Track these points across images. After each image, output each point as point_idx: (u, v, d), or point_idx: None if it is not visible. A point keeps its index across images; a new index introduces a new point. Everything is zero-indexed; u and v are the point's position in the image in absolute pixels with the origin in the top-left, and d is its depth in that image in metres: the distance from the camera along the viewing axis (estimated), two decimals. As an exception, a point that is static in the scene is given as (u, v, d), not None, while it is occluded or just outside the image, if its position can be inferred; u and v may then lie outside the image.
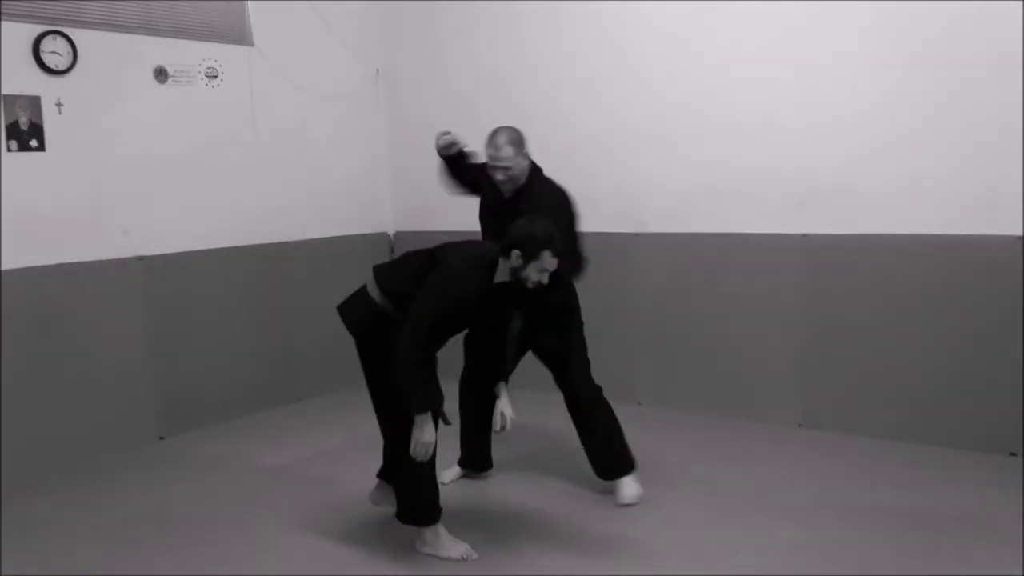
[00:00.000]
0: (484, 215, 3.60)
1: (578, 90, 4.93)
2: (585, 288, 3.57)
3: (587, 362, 3.57)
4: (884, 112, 4.03)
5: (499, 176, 3.36)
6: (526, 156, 3.39)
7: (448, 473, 3.77)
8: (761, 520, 3.32)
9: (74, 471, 4.12)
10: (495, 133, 3.36)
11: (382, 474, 3.34)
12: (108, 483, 3.98)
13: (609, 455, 3.55)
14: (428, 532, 3.10)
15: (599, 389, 3.58)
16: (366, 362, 3.08)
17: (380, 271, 3.13)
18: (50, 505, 3.74)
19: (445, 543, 3.09)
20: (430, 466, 3.00)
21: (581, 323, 3.61)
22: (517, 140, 3.36)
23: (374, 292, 3.03)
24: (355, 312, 3.07)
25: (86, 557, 3.21)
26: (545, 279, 2.89)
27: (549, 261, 2.86)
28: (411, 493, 3.08)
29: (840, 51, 4.11)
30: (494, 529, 3.32)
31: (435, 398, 2.86)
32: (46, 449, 4.13)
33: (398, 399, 2.88)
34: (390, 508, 3.25)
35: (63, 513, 3.65)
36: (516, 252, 2.85)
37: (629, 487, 3.51)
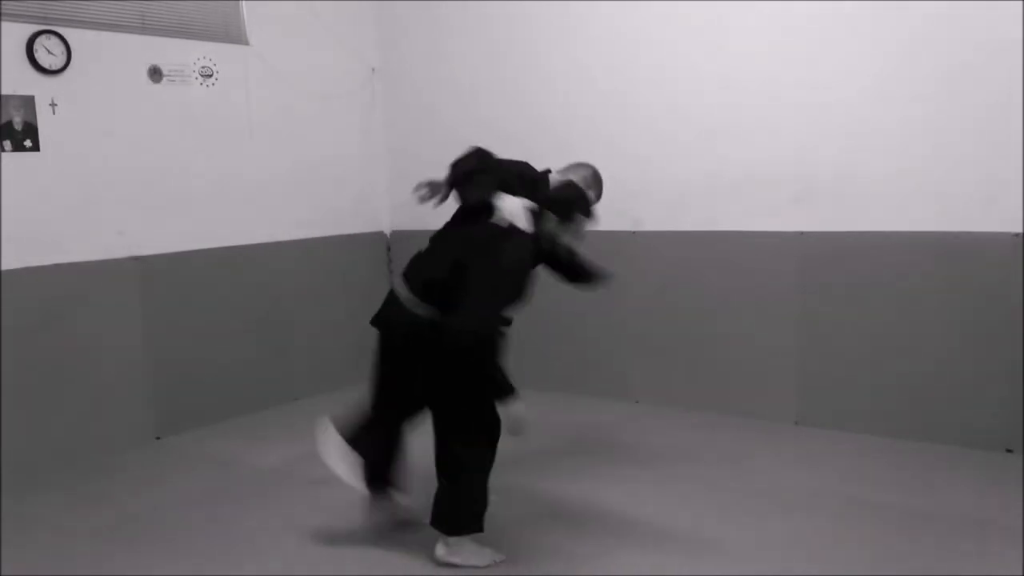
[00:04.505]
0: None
1: (574, 89, 4.93)
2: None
3: None
4: (881, 108, 4.03)
5: None
6: None
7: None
8: (757, 518, 3.32)
9: (71, 471, 4.11)
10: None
11: (374, 484, 3.17)
12: (105, 483, 3.98)
13: None
14: (456, 539, 2.99)
15: None
16: (427, 370, 2.92)
17: (410, 274, 3.01)
18: (48, 505, 3.74)
19: (470, 550, 2.99)
20: (485, 475, 2.98)
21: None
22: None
23: (411, 302, 2.91)
24: (401, 327, 2.94)
25: (84, 557, 3.21)
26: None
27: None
28: (459, 499, 2.97)
29: (836, 48, 4.11)
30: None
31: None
32: (43, 449, 4.12)
33: (472, 394, 2.89)
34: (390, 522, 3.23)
35: (61, 513, 3.65)
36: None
37: None
